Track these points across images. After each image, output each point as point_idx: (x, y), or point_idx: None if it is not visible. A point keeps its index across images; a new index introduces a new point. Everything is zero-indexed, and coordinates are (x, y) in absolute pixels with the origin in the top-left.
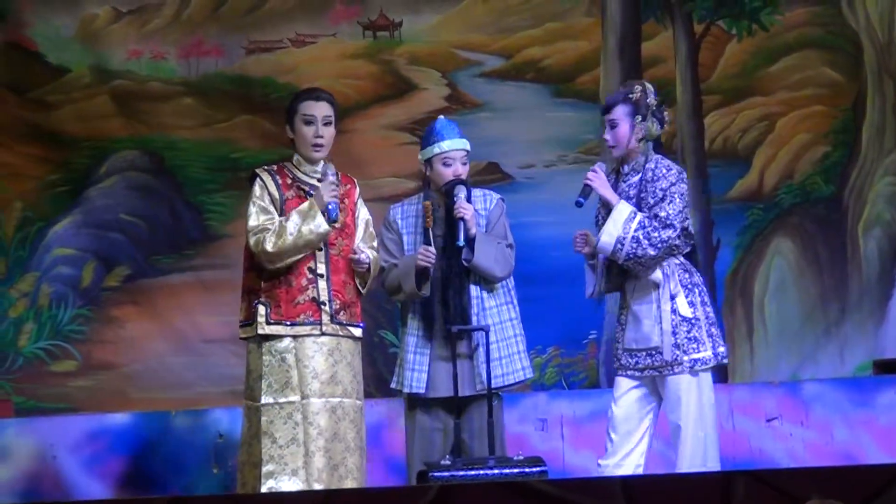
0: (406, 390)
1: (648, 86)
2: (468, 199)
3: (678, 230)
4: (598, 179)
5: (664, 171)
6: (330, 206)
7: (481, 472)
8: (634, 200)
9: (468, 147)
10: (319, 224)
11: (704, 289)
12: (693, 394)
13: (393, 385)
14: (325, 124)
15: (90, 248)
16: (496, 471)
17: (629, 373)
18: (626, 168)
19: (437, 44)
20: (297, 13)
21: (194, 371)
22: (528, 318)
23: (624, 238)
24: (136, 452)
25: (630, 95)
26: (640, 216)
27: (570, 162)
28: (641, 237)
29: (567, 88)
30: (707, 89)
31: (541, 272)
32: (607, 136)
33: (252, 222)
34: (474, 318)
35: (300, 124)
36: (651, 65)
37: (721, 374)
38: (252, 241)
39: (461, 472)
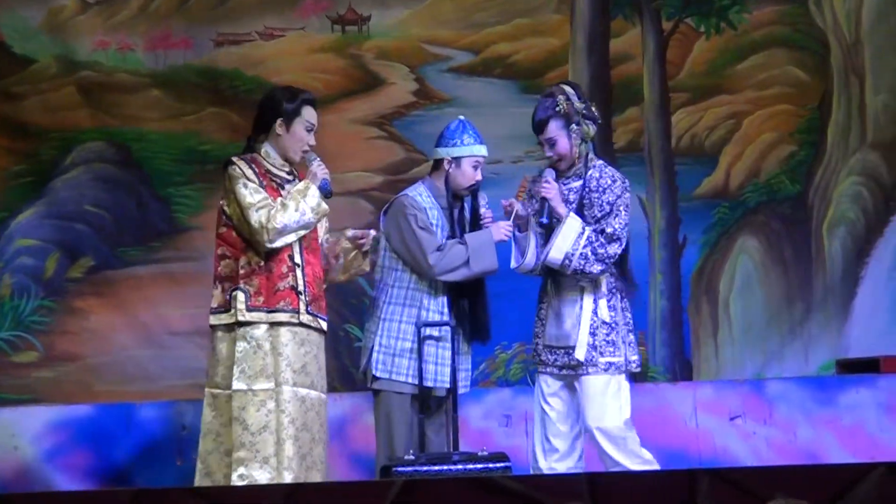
0: (430, 384)
1: (568, 89)
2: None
3: (623, 243)
4: (554, 191)
5: (609, 181)
6: (324, 182)
7: (445, 467)
8: (575, 205)
9: None
10: (319, 202)
11: (625, 294)
12: (610, 395)
13: (381, 374)
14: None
15: (54, 240)
16: (460, 466)
17: (549, 369)
18: (568, 171)
19: (405, 38)
20: (266, 6)
21: (159, 363)
22: (494, 314)
23: (572, 254)
24: (100, 444)
25: (557, 108)
26: (588, 231)
27: (537, 158)
28: (589, 253)
29: (535, 84)
30: (675, 87)
31: (507, 268)
32: (550, 154)
33: (250, 199)
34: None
35: (300, 128)
36: (619, 62)
37: (686, 371)
38: (256, 216)
39: (425, 468)
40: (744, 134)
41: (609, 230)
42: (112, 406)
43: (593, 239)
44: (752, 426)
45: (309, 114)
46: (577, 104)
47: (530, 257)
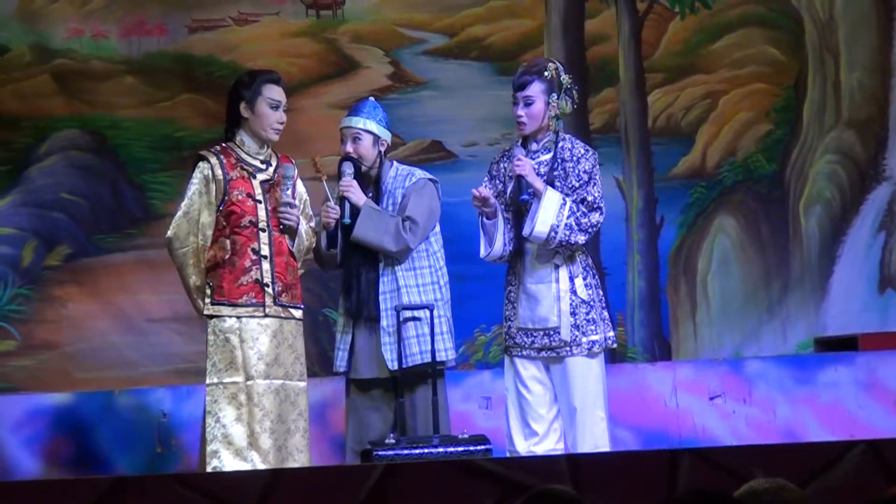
0: (334, 369)
1: (558, 63)
2: (381, 177)
3: (603, 212)
4: (528, 167)
5: (582, 151)
6: None
7: (426, 450)
8: (545, 178)
9: (364, 126)
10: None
11: (596, 271)
12: (591, 376)
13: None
14: (285, 110)
15: (30, 228)
16: (440, 449)
17: (525, 352)
18: (536, 146)
19: (380, 22)
20: None
21: (137, 350)
22: (472, 296)
23: (557, 225)
24: (79, 432)
25: (545, 73)
26: (569, 202)
27: (513, 140)
28: (573, 223)
29: (511, 66)
30: (650, 67)
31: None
32: (521, 113)
33: (184, 208)
34: (386, 298)
35: (264, 107)
36: (594, 42)
37: (665, 351)
38: (174, 222)
39: (405, 451)
40: (720, 113)
41: (589, 198)
42: (91, 394)
43: (575, 209)
44: (731, 405)
45: (271, 91)
46: (564, 77)
47: (499, 245)
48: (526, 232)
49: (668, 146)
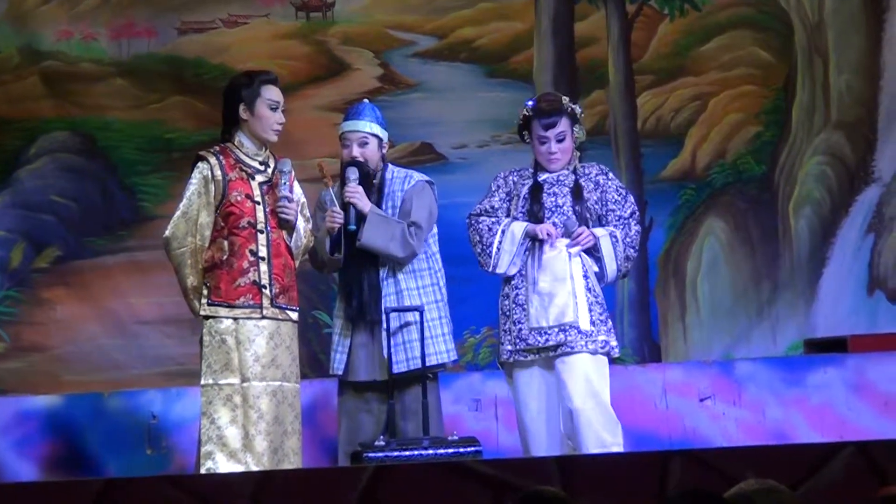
0: (331, 372)
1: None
2: (382, 180)
3: (638, 212)
4: (590, 237)
5: (602, 168)
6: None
7: (416, 452)
8: (571, 189)
9: (370, 129)
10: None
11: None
12: (600, 374)
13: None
14: (283, 110)
15: (19, 230)
16: (430, 451)
17: (540, 355)
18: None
19: (370, 24)
20: None
21: (127, 353)
22: (462, 298)
23: (618, 258)
24: (69, 434)
25: (565, 107)
26: (617, 233)
27: (503, 142)
28: (627, 245)
29: (500, 69)
30: (640, 69)
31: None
32: (555, 150)
33: (183, 208)
34: (389, 300)
35: (263, 108)
36: (584, 45)
37: (654, 353)
38: (173, 221)
39: (395, 453)
40: (709, 115)
41: (629, 210)
42: (80, 396)
43: (620, 236)
44: (721, 407)
45: (269, 92)
46: (577, 107)
47: (504, 269)
48: (606, 281)
49: (658, 148)
